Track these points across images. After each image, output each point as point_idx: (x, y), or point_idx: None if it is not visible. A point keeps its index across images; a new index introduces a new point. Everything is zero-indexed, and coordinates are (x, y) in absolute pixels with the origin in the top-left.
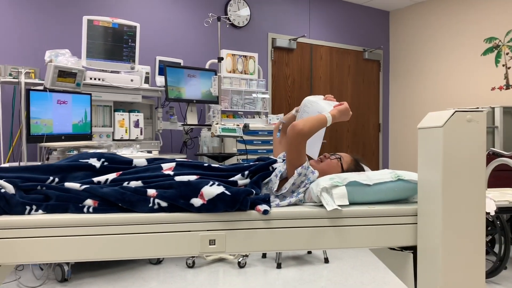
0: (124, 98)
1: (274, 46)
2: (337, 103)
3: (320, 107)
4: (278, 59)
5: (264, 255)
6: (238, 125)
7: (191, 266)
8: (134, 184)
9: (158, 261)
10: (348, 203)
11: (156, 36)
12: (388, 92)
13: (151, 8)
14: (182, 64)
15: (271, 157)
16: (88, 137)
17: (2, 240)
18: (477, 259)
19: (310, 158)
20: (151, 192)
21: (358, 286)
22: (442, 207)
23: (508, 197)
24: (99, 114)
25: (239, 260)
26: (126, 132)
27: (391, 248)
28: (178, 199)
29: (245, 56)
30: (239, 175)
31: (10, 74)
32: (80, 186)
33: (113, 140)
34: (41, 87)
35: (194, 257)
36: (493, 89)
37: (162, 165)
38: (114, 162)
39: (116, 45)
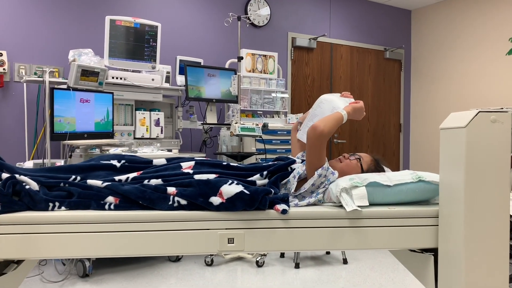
0: (145, 97)
1: (294, 45)
2: (353, 100)
3: (335, 104)
4: (298, 59)
5: (282, 255)
6: (257, 125)
7: (210, 264)
8: (154, 182)
9: (177, 259)
10: (368, 204)
11: (177, 35)
12: (410, 92)
13: (172, 8)
14: (202, 64)
15: (290, 156)
16: (110, 135)
17: (26, 235)
18: (500, 263)
19: (329, 159)
20: (171, 190)
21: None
22: (464, 209)
23: None
24: (120, 113)
25: (257, 259)
26: (147, 130)
27: (411, 250)
28: (198, 197)
29: (265, 56)
30: (257, 175)
31: (35, 73)
32: (102, 183)
33: (134, 138)
34: (64, 86)
35: (212, 255)
36: None
37: (182, 164)
38: (134, 163)
39: (138, 45)
